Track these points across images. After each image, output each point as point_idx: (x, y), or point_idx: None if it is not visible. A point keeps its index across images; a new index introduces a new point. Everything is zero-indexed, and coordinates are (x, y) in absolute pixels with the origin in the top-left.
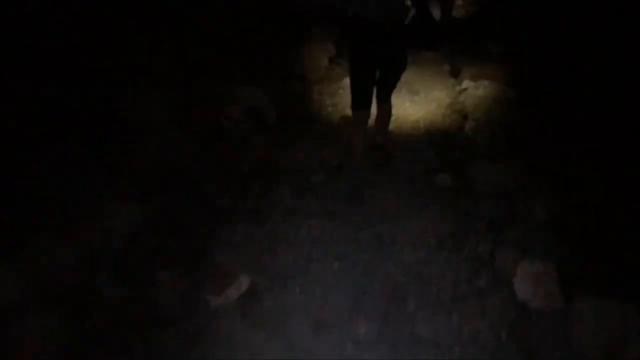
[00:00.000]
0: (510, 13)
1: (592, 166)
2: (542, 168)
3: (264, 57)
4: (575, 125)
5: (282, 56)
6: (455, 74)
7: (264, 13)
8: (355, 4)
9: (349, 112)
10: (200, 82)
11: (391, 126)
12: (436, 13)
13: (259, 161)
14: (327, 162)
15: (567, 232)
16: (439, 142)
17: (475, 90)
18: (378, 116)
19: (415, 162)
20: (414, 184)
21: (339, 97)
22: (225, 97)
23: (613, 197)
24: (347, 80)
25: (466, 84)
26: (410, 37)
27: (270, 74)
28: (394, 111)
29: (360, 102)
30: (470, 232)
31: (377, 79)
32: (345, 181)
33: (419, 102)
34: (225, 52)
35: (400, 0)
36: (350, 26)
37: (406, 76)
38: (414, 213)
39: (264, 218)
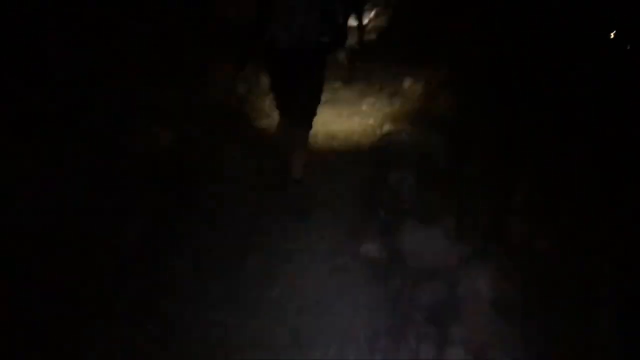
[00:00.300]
0: (418, 31)
1: (533, 227)
2: (479, 230)
3: (158, 90)
4: (507, 178)
5: (182, 89)
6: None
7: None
8: (271, 28)
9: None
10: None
11: (309, 176)
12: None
13: (142, 233)
14: (231, 226)
15: (527, 326)
16: (361, 197)
17: (397, 135)
18: (292, 150)
19: (336, 224)
20: (336, 255)
21: (250, 143)
22: (107, 151)
23: (575, 270)
24: (263, 121)
25: (387, 127)
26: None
27: (168, 113)
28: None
29: (283, 110)
30: (407, 327)
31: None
32: (254, 252)
33: (337, 149)
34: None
35: (314, 26)
36: (268, 51)
37: (323, 117)
38: (338, 298)
39: (142, 316)
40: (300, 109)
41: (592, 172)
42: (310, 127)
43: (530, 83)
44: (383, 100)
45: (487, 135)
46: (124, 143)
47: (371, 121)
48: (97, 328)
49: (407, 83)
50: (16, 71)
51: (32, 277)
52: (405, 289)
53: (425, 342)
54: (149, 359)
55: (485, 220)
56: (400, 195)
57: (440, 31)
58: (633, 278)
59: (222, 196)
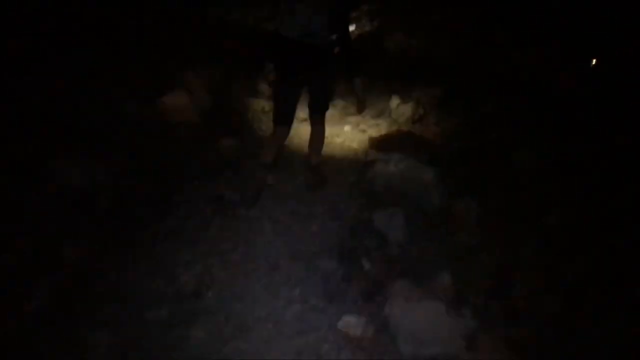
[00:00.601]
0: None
1: (541, 282)
2: (482, 290)
3: (104, 110)
4: (508, 218)
5: (134, 109)
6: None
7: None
8: (278, 21)
9: (227, 187)
10: None
11: (277, 217)
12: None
13: (62, 289)
14: (182, 288)
15: None
16: (340, 243)
17: (384, 165)
18: (310, 139)
19: (308, 281)
20: (307, 329)
21: (213, 166)
22: (30, 179)
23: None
24: (226, 141)
25: (373, 155)
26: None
27: (111, 135)
28: None
29: (280, 117)
30: None
31: (308, 100)
32: (202, 317)
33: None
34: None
35: (321, 21)
36: (273, 44)
37: (297, 139)
38: None
39: None
40: (312, 101)
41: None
42: (323, 117)
43: (534, 100)
44: (368, 120)
45: (486, 165)
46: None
47: (354, 145)
48: None
49: (394, 102)
50: None
51: None
52: None
53: None
54: None
55: (489, 274)
56: (388, 240)
57: (432, 44)
58: None
59: (171, 234)
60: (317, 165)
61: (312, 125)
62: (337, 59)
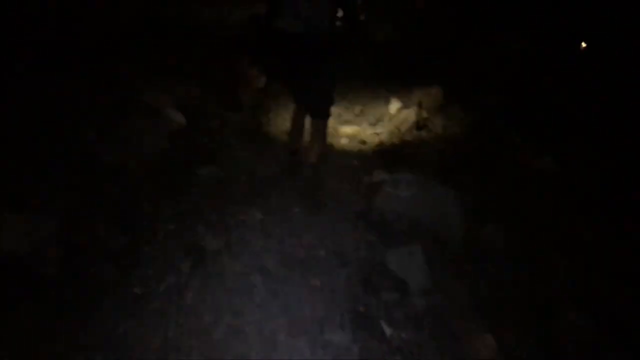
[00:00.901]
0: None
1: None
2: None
3: (48, 143)
4: (543, 250)
5: (87, 140)
6: None
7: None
8: (284, 16)
9: (207, 230)
10: None
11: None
12: None
13: None
14: None
15: None
16: (352, 299)
17: (393, 188)
18: (310, 141)
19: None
20: None
21: (190, 204)
22: None
23: None
24: (203, 170)
25: (378, 175)
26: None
27: (58, 176)
28: None
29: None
30: None
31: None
32: None
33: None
34: None
35: (324, 13)
36: (275, 41)
37: None
38: None
39: None
40: (315, 98)
41: None
42: (327, 116)
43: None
44: (366, 130)
45: (507, 178)
46: None
47: (355, 162)
48: None
49: (393, 106)
50: None
51: None
52: None
53: None
54: None
55: (533, 325)
56: (409, 288)
57: (422, 35)
58: None
59: (138, 304)
60: (317, 163)
61: (313, 126)
62: (338, 54)
